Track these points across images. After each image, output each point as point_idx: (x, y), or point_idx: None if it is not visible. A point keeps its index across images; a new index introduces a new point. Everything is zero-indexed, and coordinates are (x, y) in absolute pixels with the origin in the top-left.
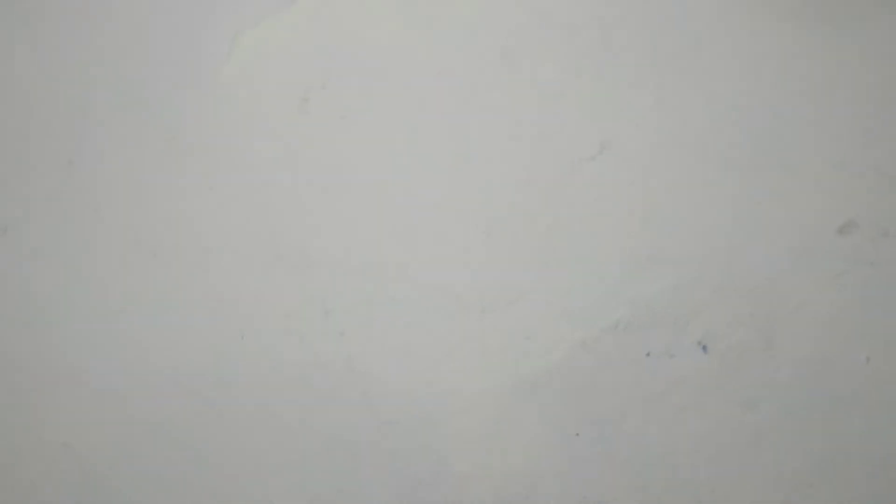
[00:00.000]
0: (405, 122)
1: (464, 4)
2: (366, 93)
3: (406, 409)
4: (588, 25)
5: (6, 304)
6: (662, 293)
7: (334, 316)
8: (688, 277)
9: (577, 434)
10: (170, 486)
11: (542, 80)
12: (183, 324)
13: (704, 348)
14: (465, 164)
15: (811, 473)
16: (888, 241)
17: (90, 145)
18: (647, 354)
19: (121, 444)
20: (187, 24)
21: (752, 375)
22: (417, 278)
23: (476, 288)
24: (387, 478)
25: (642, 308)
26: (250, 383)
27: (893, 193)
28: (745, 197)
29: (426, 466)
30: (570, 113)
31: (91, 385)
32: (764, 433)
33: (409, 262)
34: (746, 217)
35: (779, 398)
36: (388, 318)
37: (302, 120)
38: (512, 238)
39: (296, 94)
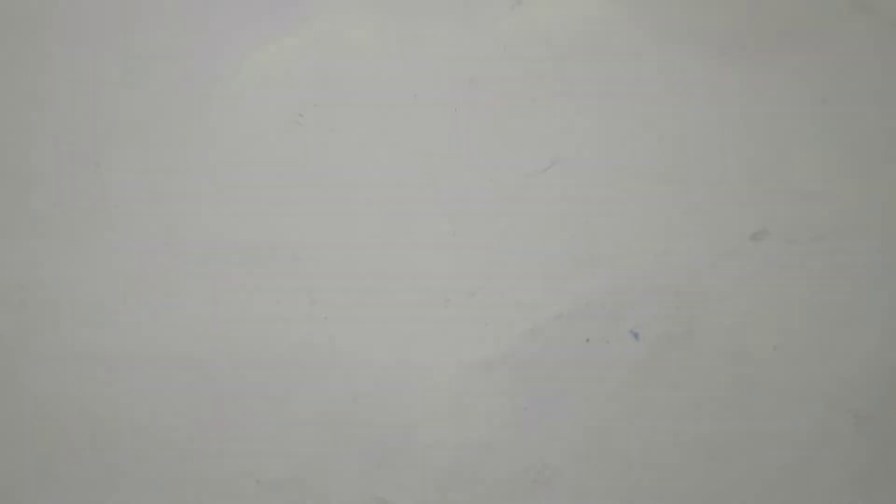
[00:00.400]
0: (386, 138)
1: (438, 38)
2: (352, 111)
3: (380, 385)
4: (543, 58)
5: (37, 291)
6: (601, 289)
7: (320, 304)
8: (623, 276)
9: (526, 408)
10: (172, 450)
11: (503, 104)
12: (188, 308)
13: (636, 336)
14: (436, 176)
15: (726, 446)
16: (794, 247)
17: (115, 150)
18: (587, 341)
19: (130, 411)
20: (204, 47)
21: (676, 361)
22: (392, 272)
23: (442, 281)
24: (361, 445)
25: (583, 301)
26: (245, 362)
27: (799, 206)
28: (673, 207)
29: (395, 435)
30: (526, 132)
31: (107, 360)
32: (686, 410)
33: (386, 258)
34: (673, 224)
35: (699, 380)
36: (366, 306)
37: (298, 133)
38: (473, 239)
39: (293, 110)
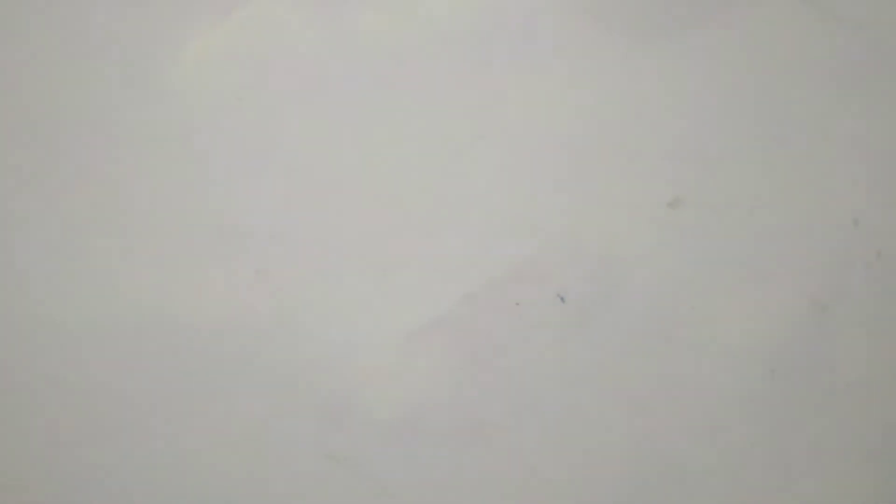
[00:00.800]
0: (320, 117)
1: (365, 20)
2: (288, 92)
3: (324, 350)
4: (468, 39)
5: (3, 267)
6: (529, 256)
7: (265, 274)
8: (549, 244)
9: (462, 368)
10: (137, 412)
11: (431, 83)
12: (144, 280)
13: (562, 299)
14: (369, 152)
15: (647, 397)
16: (707, 213)
17: (68, 135)
18: (517, 304)
19: (95, 377)
20: (144, 37)
21: (599, 321)
22: (333, 245)
23: (379, 252)
24: (308, 404)
25: (514, 268)
26: (199, 329)
27: (712, 176)
28: (594, 179)
29: (340, 395)
30: (453, 113)
31: (70, 330)
32: (608, 366)
33: (327, 231)
34: (596, 195)
35: (619, 339)
36: (308, 276)
37: (238, 115)
38: (408, 211)
39: (232, 93)
